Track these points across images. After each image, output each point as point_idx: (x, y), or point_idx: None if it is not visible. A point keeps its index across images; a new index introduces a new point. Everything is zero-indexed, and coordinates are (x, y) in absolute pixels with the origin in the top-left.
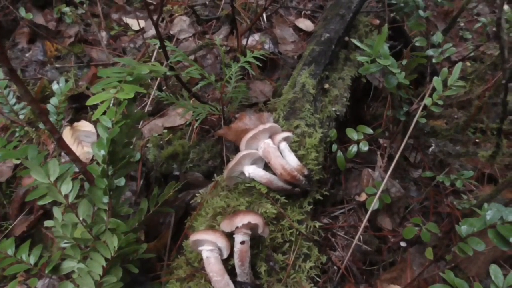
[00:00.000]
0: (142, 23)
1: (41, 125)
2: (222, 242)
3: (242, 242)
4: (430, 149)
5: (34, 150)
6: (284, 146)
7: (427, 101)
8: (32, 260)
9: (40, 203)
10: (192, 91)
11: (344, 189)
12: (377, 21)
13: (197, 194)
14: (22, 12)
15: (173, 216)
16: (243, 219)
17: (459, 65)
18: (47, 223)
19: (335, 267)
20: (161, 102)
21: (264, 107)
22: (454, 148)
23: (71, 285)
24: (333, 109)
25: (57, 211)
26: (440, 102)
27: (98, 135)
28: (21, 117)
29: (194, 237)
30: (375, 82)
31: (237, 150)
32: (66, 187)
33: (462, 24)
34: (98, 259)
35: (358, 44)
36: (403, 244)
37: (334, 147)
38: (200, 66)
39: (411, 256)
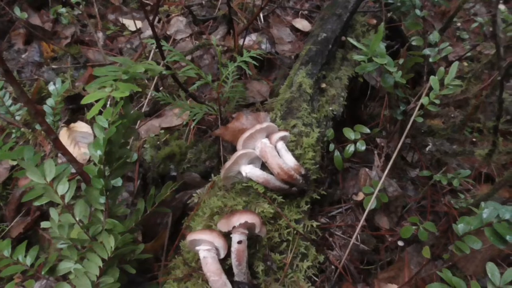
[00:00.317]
0: (139, 23)
1: (37, 126)
2: (219, 242)
3: (239, 242)
4: (427, 148)
5: (30, 151)
6: (281, 145)
7: (424, 100)
8: (28, 261)
9: (37, 203)
10: (189, 91)
11: (342, 189)
12: (374, 21)
13: (194, 194)
14: (17, 11)
15: (170, 217)
16: (240, 219)
17: (455, 64)
18: (44, 224)
19: (332, 267)
20: (158, 103)
21: (261, 107)
22: (451, 147)
23: (68, 286)
24: (330, 108)
25: (53, 212)
26: (437, 101)
27: (94, 136)
28: (17, 118)
29: (191, 237)
30: (372, 82)
31: (234, 150)
32: (63, 188)
33: (459, 24)
34: (95, 259)
35: (355, 43)
36: (400, 243)
37: (331, 146)
38: (197, 67)
39: (409, 255)
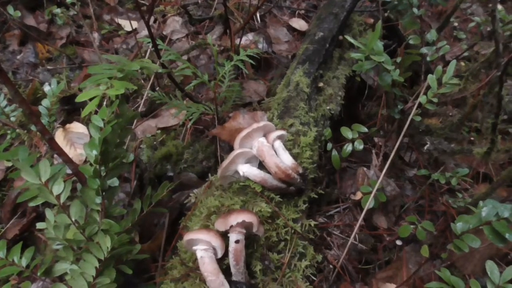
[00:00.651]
0: (135, 24)
1: (33, 127)
2: (216, 241)
3: (237, 241)
4: (425, 147)
5: (25, 151)
6: (278, 144)
7: (422, 99)
8: (24, 262)
9: (32, 204)
10: (185, 91)
11: (339, 188)
12: (371, 20)
13: (191, 194)
14: (11, 10)
15: (167, 217)
16: (237, 218)
17: (453, 63)
18: (39, 225)
19: (330, 266)
20: (154, 103)
21: (258, 107)
22: (449, 146)
23: (64, 287)
24: (328, 107)
25: (49, 213)
26: (435, 100)
27: (90, 136)
28: (12, 119)
29: (188, 236)
30: (370, 81)
31: (231, 150)
32: (58, 188)
33: (456, 24)
34: (91, 260)
35: (352, 41)
36: (398, 242)
37: (329, 146)
38: (193, 66)
39: (407, 254)
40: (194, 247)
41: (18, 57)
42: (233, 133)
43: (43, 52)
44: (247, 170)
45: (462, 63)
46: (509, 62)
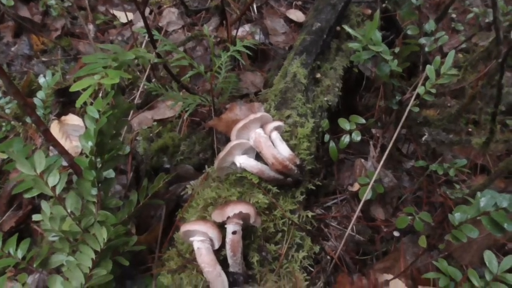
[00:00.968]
0: (130, 15)
1: (28, 120)
2: (213, 233)
3: (234, 232)
4: (423, 138)
5: (19, 142)
6: (275, 135)
7: (420, 89)
8: (20, 254)
9: (27, 196)
10: (181, 82)
11: (337, 180)
12: (369, 11)
13: (187, 186)
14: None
15: (164, 209)
16: (234, 209)
17: (452, 53)
18: (35, 217)
19: (328, 257)
20: (150, 95)
21: (255, 98)
22: (447, 137)
23: (60, 278)
24: (325, 99)
25: (45, 205)
26: (433, 91)
27: (86, 127)
28: (7, 111)
29: (185, 227)
30: (367, 73)
31: (228, 141)
32: (53, 179)
33: (454, 15)
34: (87, 251)
35: (350, 31)
36: (396, 234)
37: (327, 137)
38: (189, 57)
39: (404, 245)
40: (191, 238)
41: (13, 49)
42: (230, 125)
43: (38, 44)
44: (244, 161)
45: (460, 55)
46: (509, 50)
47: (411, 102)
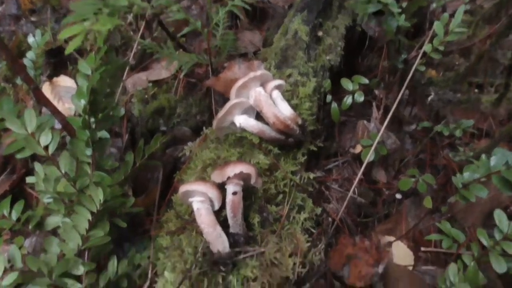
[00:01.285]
0: None
1: (18, 81)
2: (213, 193)
3: (234, 193)
4: (429, 98)
5: (9, 102)
6: (276, 94)
7: (427, 47)
8: (14, 215)
9: (19, 156)
10: (177, 39)
11: (338, 142)
12: None
13: (185, 148)
14: None
15: (161, 172)
16: (234, 169)
17: (461, 8)
18: (29, 179)
19: (329, 219)
20: (145, 55)
21: (254, 57)
22: (454, 96)
23: (56, 240)
24: (327, 58)
25: (38, 166)
26: (441, 48)
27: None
28: None
29: (183, 188)
30: (371, 32)
31: (226, 102)
32: (45, 138)
33: None
34: (83, 213)
35: None
36: (398, 196)
37: (329, 97)
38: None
39: (407, 208)
40: (190, 199)
41: (0, 9)
42: (228, 84)
43: (26, 3)
44: (243, 121)
45: (464, 17)
46: None
47: (417, 60)
